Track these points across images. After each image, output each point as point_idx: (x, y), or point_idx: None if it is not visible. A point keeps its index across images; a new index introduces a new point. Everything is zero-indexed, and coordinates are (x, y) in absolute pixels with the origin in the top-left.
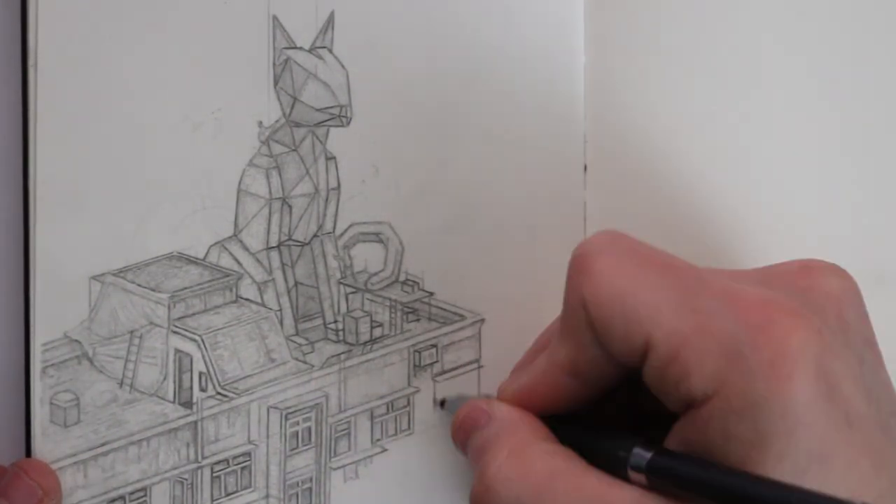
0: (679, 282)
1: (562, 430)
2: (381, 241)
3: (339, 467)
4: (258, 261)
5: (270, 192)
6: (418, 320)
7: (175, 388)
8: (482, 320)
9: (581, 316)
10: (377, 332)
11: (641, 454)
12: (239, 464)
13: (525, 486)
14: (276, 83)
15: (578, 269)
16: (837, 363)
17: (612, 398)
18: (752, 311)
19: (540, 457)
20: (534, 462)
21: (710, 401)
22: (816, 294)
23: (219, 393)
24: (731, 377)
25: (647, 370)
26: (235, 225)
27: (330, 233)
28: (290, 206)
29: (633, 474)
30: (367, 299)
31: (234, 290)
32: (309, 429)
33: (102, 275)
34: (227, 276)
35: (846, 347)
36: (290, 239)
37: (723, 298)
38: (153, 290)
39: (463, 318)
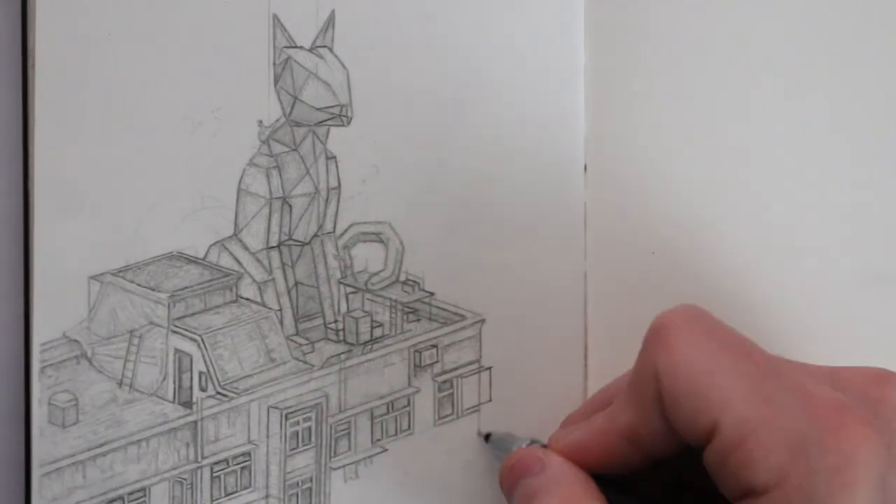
0: (754, 369)
1: (610, 493)
2: (381, 241)
3: (339, 467)
4: (258, 260)
5: (270, 192)
6: (419, 320)
7: (175, 388)
8: (482, 320)
9: (651, 387)
10: (377, 332)
11: None
12: (239, 464)
13: None
14: (276, 82)
15: (656, 339)
16: None
17: (663, 466)
18: (825, 413)
19: None
20: None
21: (769, 493)
22: (888, 407)
23: (219, 393)
24: (794, 474)
25: (710, 452)
26: (235, 224)
27: (330, 232)
28: (290, 206)
29: None
30: (368, 299)
31: (234, 289)
32: (309, 429)
33: (102, 274)
34: (227, 275)
35: None
36: (290, 239)
37: (796, 394)
38: (153, 289)
39: (463, 318)
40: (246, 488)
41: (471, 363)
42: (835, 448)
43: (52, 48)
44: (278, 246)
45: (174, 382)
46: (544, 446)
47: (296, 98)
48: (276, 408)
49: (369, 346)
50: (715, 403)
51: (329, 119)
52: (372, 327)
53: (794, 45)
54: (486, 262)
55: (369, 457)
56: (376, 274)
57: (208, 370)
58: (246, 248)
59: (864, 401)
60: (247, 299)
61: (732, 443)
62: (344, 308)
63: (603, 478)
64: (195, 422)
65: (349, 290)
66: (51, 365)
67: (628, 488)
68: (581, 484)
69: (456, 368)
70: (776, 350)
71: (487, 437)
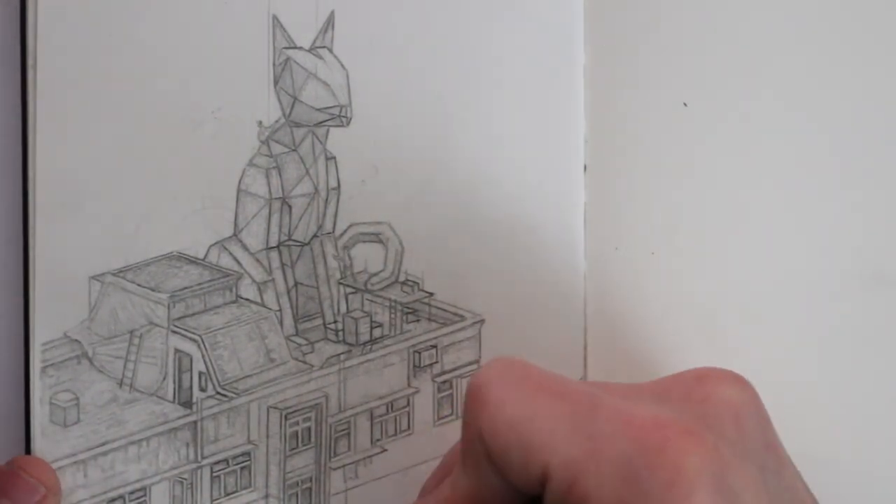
0: (572, 407)
1: None
2: (380, 242)
3: (338, 467)
4: (258, 261)
5: (270, 192)
6: (418, 321)
7: (175, 388)
8: (482, 321)
9: (479, 447)
10: (377, 332)
11: None
12: (239, 464)
13: None
14: (276, 83)
15: (474, 400)
16: (737, 476)
17: None
18: (646, 433)
19: None
20: None
21: None
22: (712, 405)
23: (219, 393)
24: (631, 501)
25: (548, 498)
26: (235, 225)
27: (330, 233)
28: (289, 206)
29: None
30: (367, 300)
31: (233, 290)
32: (309, 429)
33: (102, 274)
34: (227, 276)
35: (745, 458)
36: (289, 239)
37: (616, 422)
38: (153, 289)
39: (463, 318)
40: (246, 488)
41: (470, 363)
42: (662, 466)
43: (51, 48)
44: (278, 246)
45: (174, 382)
46: None
47: (295, 98)
48: (275, 408)
49: (369, 347)
50: (540, 449)
51: (329, 119)
52: (371, 328)
53: (794, 45)
54: (486, 262)
55: (369, 457)
56: (376, 274)
57: (208, 370)
58: (246, 248)
59: (688, 405)
60: (247, 300)
61: (565, 484)
62: (343, 308)
63: None
64: (195, 422)
65: (349, 290)
66: (52, 365)
67: None
68: None
69: (456, 369)
70: (777, 349)
71: None
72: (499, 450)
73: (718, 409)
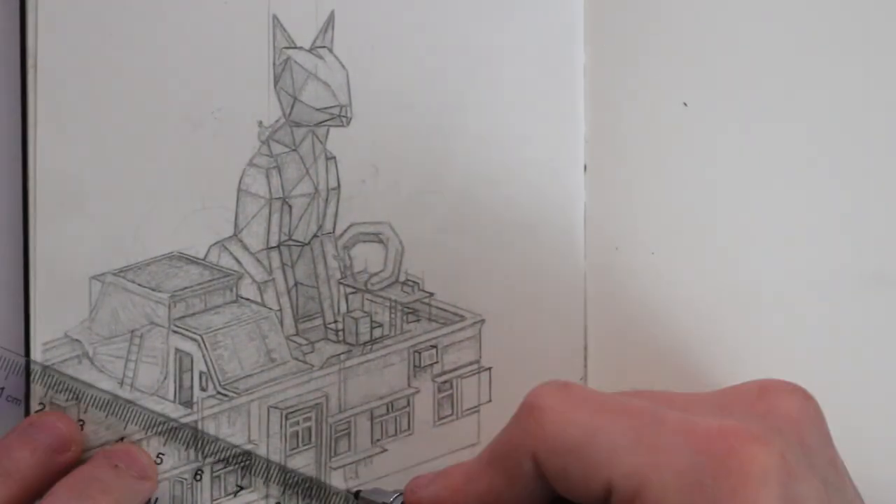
0: (634, 422)
1: None
2: (380, 242)
3: (338, 467)
4: (258, 261)
5: (270, 192)
6: (418, 321)
7: (175, 388)
8: (482, 321)
9: (527, 465)
10: (377, 332)
11: None
12: (239, 464)
13: None
14: (276, 83)
15: (529, 419)
16: (802, 486)
17: None
18: (710, 443)
19: None
20: None
21: None
22: (776, 418)
23: (219, 392)
24: None
25: None
26: (235, 225)
27: (330, 233)
28: (290, 206)
29: None
30: (367, 299)
31: (234, 289)
32: (309, 429)
33: (103, 274)
34: (228, 275)
35: (810, 470)
36: (290, 239)
37: (679, 432)
38: (153, 289)
39: (463, 318)
40: (246, 488)
41: (470, 363)
42: (728, 473)
43: (51, 48)
44: (278, 246)
45: (175, 382)
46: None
47: (295, 98)
48: (276, 408)
49: (369, 347)
50: (602, 464)
51: (329, 119)
52: (372, 328)
53: (794, 45)
54: (486, 262)
55: (369, 457)
56: (376, 274)
57: (209, 370)
58: (246, 248)
59: (751, 416)
60: (247, 299)
61: (628, 496)
62: (344, 308)
63: None
64: (196, 421)
65: (349, 290)
66: (52, 364)
67: None
68: None
69: (456, 369)
70: (777, 349)
71: (357, 494)
72: (557, 470)
73: (782, 422)
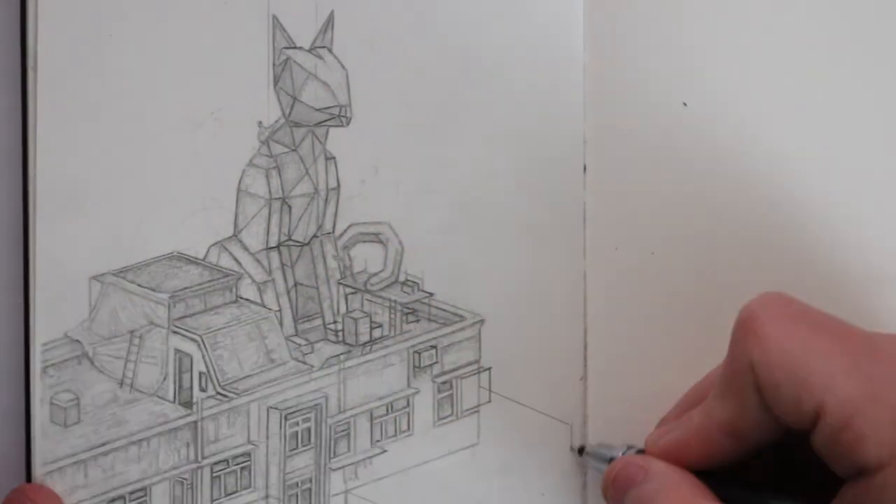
0: (852, 348)
1: (718, 488)
2: (380, 242)
3: (338, 468)
4: (258, 261)
5: (270, 192)
6: (418, 321)
7: (175, 388)
8: (482, 321)
9: (748, 378)
10: (377, 332)
11: None
12: (239, 464)
13: None
14: (275, 83)
15: (746, 331)
16: None
17: (761, 454)
18: None
19: None
20: None
21: (884, 469)
22: None
23: (219, 393)
24: None
25: (817, 436)
26: (235, 225)
27: (329, 233)
28: (289, 207)
29: None
30: (367, 300)
31: (233, 290)
32: (308, 429)
33: (102, 275)
34: (227, 276)
35: None
36: (289, 239)
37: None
38: (153, 290)
39: (463, 318)
40: (246, 488)
41: (470, 364)
42: None
43: (52, 48)
44: (278, 246)
45: (174, 383)
46: (641, 451)
47: (295, 99)
48: (275, 408)
49: (369, 347)
50: (816, 387)
51: (328, 119)
52: (371, 328)
53: (794, 44)
54: (486, 262)
55: (369, 457)
56: (376, 274)
57: (208, 370)
58: (246, 248)
59: None
60: (247, 300)
61: (839, 423)
62: (343, 309)
63: (708, 473)
64: (195, 422)
65: (348, 290)
66: (52, 365)
67: (731, 479)
68: (688, 485)
69: (455, 369)
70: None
71: (581, 450)
72: (771, 384)
73: None
